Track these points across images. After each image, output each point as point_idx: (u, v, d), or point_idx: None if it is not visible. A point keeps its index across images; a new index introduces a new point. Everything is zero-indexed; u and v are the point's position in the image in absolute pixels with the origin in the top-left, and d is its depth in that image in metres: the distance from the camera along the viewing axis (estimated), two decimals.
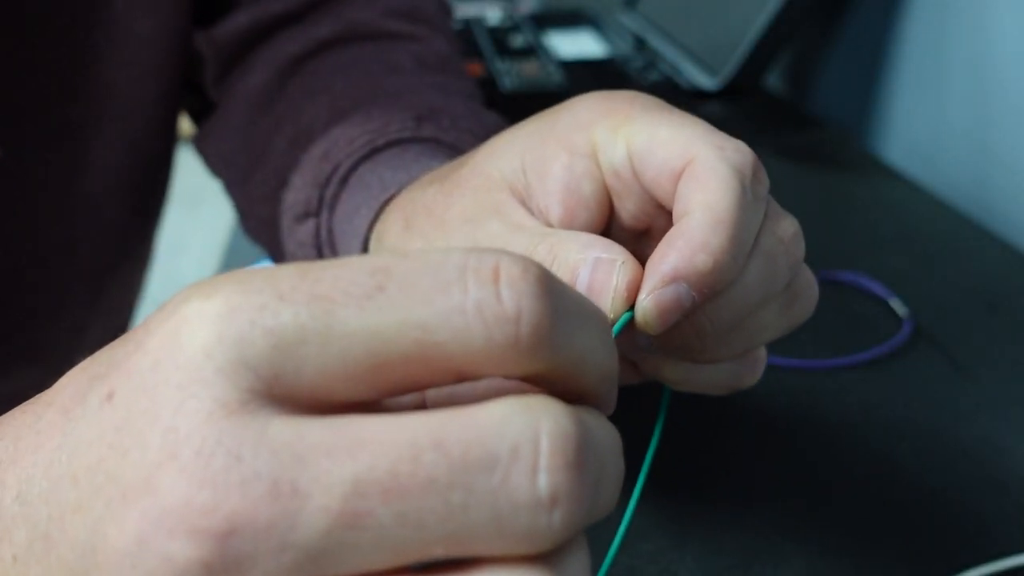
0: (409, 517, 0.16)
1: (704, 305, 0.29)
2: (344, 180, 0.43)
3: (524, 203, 0.33)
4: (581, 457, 0.17)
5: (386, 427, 0.17)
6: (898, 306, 0.54)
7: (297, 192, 0.44)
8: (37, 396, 0.21)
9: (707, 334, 0.29)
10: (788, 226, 0.31)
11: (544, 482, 0.17)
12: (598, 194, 0.32)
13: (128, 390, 0.18)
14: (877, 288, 0.56)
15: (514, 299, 0.17)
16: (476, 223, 0.33)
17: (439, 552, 0.17)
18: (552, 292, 0.18)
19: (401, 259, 0.18)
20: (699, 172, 0.29)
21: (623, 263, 0.29)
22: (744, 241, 0.28)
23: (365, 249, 0.40)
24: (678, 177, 0.29)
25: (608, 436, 0.19)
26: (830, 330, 0.53)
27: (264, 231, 0.49)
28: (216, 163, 0.55)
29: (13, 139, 0.44)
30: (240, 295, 0.17)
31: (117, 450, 0.17)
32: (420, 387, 0.18)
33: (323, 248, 0.43)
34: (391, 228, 0.38)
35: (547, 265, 0.29)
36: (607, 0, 1.06)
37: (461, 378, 0.18)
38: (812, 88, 0.92)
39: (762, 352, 0.34)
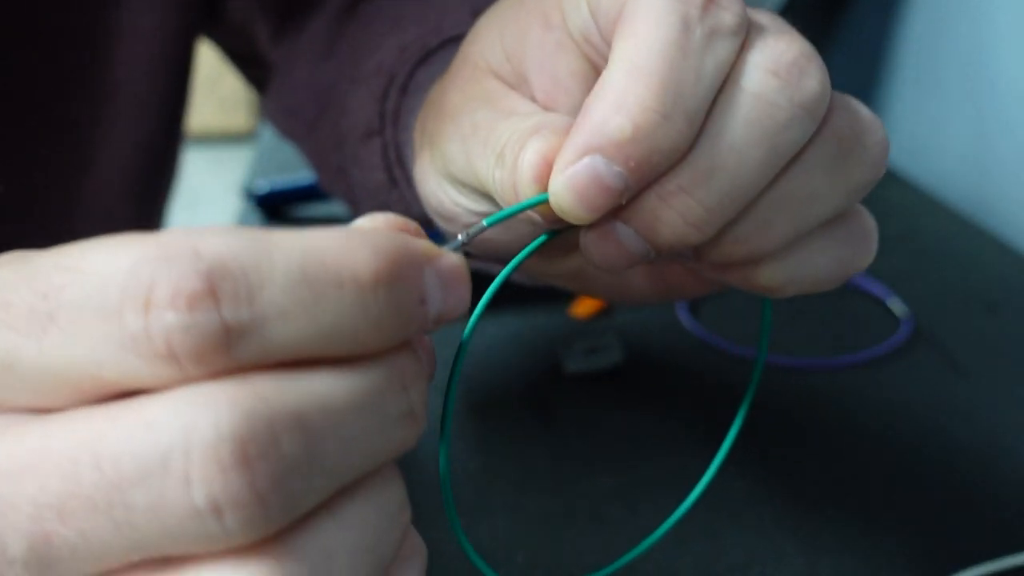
0: (89, 535, 0.16)
1: (675, 179, 0.23)
2: (403, 90, 0.39)
3: (516, 88, 0.29)
4: (242, 454, 0.16)
5: (54, 441, 0.16)
6: (897, 306, 0.54)
7: (354, 114, 0.41)
8: None
9: (700, 218, 0.23)
10: (783, 51, 0.23)
11: (198, 492, 0.15)
12: (577, 69, 0.27)
13: None
14: (876, 288, 0.56)
15: (162, 332, 0.16)
16: (463, 116, 0.29)
17: (137, 558, 0.16)
18: (211, 296, 0.16)
19: (72, 277, 0.17)
20: (627, 13, 0.23)
21: (537, 135, 0.24)
22: (683, 93, 0.22)
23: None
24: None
25: (334, 396, 0.17)
26: (829, 330, 0.53)
27: (340, 181, 0.46)
28: (283, 121, 0.52)
29: (21, 137, 0.44)
30: None
31: None
32: (124, 393, 0.17)
33: (392, 168, 0.39)
34: (416, 136, 0.35)
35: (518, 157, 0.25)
36: None
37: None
38: None
39: (864, 220, 0.27)
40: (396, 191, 0.40)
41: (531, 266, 0.35)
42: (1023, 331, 0.53)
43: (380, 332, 0.17)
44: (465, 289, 0.19)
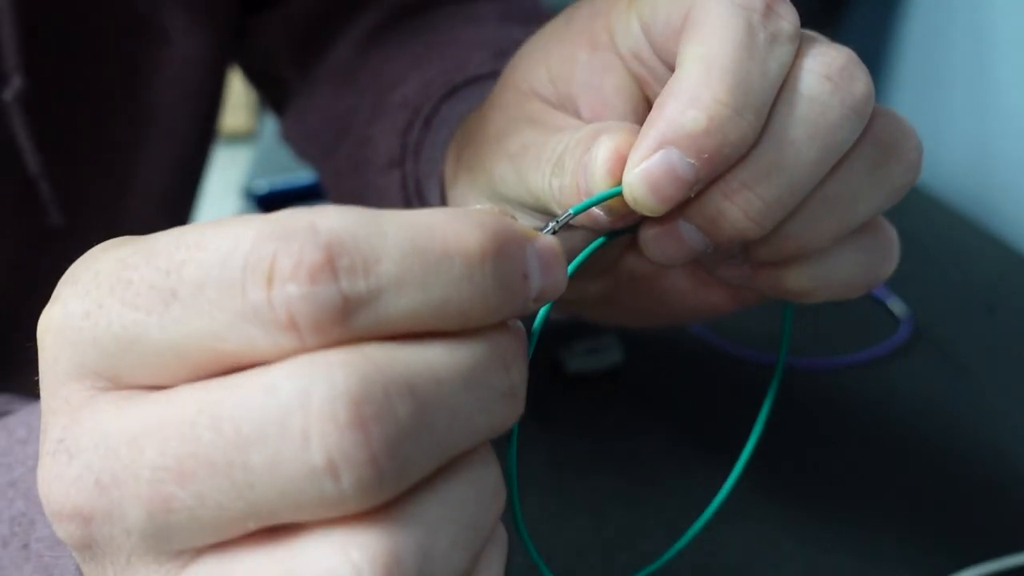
0: (207, 498, 0.16)
1: (739, 176, 0.24)
2: (427, 123, 0.39)
3: (560, 109, 0.30)
4: (358, 414, 0.16)
5: (174, 408, 0.17)
6: (897, 306, 0.54)
7: (376, 144, 0.42)
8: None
9: (759, 212, 0.24)
10: (835, 57, 0.25)
11: (316, 451, 0.16)
12: (623, 88, 0.28)
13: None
14: (876, 288, 0.56)
15: (284, 303, 0.16)
16: (510, 137, 0.30)
17: (254, 525, 0.17)
18: (330, 269, 0.16)
19: (193, 254, 0.17)
20: (695, 19, 0.25)
21: (609, 132, 0.25)
22: (752, 90, 0.24)
23: (443, 193, 0.37)
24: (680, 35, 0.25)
25: (444, 367, 0.17)
26: (829, 330, 0.53)
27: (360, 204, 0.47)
28: (301, 144, 0.53)
29: (66, 159, 0.45)
30: (73, 299, 0.18)
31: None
32: (239, 368, 0.18)
33: (411, 200, 0.40)
34: (448, 166, 0.36)
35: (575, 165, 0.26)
36: None
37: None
38: None
39: (889, 232, 0.29)
40: None
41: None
42: (1023, 331, 0.53)
43: (487, 305, 0.18)
44: (562, 269, 0.20)
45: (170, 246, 0.17)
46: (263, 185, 0.69)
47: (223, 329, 0.17)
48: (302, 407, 0.16)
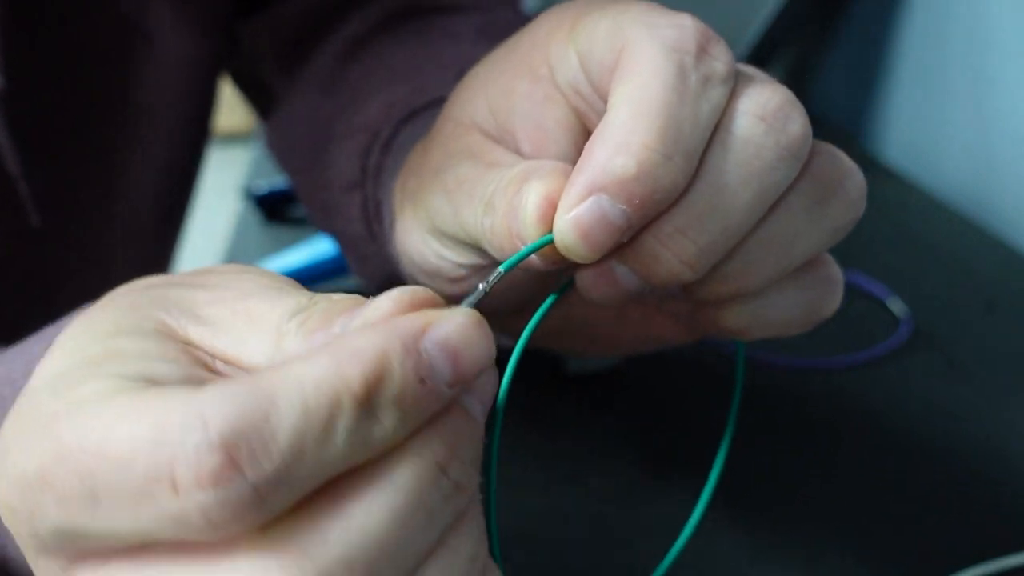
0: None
1: (672, 220, 0.24)
2: (386, 147, 0.40)
3: (499, 142, 0.29)
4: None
5: None
6: (896, 306, 0.54)
7: (339, 164, 0.42)
8: None
9: (694, 257, 0.24)
10: (769, 98, 0.24)
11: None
12: (563, 120, 0.28)
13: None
14: (875, 288, 0.56)
15: (197, 510, 0.17)
16: (447, 171, 0.29)
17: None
18: (231, 466, 0.17)
19: (98, 462, 0.18)
20: (625, 60, 0.24)
21: (539, 177, 0.25)
22: (683, 134, 0.23)
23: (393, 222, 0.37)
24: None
25: (374, 524, 0.18)
26: (828, 330, 0.52)
27: (325, 221, 0.47)
28: (279, 154, 0.53)
29: (48, 160, 0.45)
30: (15, 495, 0.19)
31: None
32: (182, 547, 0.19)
33: (371, 222, 0.40)
34: (396, 196, 0.36)
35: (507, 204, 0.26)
36: None
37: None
38: (811, 88, 0.92)
39: (832, 269, 0.28)
40: (374, 244, 0.41)
41: (513, 327, 0.35)
42: (1023, 331, 0.53)
43: (397, 427, 0.18)
44: (476, 346, 0.19)
45: (76, 452, 0.18)
46: (263, 185, 0.69)
47: (151, 529, 0.18)
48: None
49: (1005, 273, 0.59)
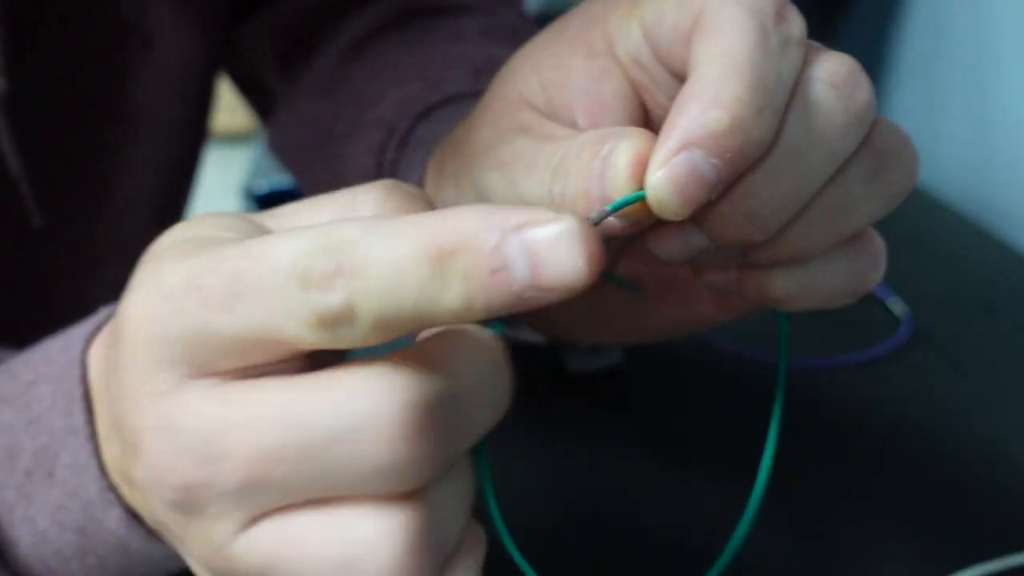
0: (292, 478, 0.21)
1: (745, 180, 0.24)
2: (402, 143, 0.40)
3: (551, 119, 0.30)
4: (429, 417, 0.20)
5: (265, 403, 0.21)
6: (897, 306, 0.54)
7: (352, 162, 0.42)
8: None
9: (763, 217, 0.25)
10: (839, 65, 0.25)
11: (385, 455, 0.20)
12: (621, 93, 0.29)
13: (117, 371, 0.24)
14: (876, 288, 0.56)
15: (344, 296, 0.20)
16: (500, 146, 0.30)
17: (320, 496, 0.21)
18: (336, 275, 0.20)
19: (252, 263, 0.21)
20: (707, 23, 0.25)
21: (627, 137, 0.25)
22: (770, 90, 0.24)
23: None
24: (690, 39, 0.25)
25: (474, 365, 0.22)
26: (828, 330, 0.53)
27: None
28: (283, 155, 0.53)
29: (48, 162, 0.45)
30: (159, 302, 0.22)
31: (122, 411, 0.23)
32: (295, 354, 0.22)
33: None
34: (429, 182, 0.35)
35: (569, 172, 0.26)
36: None
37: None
38: None
39: (877, 242, 0.29)
40: None
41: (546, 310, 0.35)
42: (1023, 331, 0.53)
43: (463, 302, 0.20)
44: (569, 259, 0.19)
45: (237, 256, 0.21)
46: (263, 185, 0.69)
47: (277, 323, 0.20)
48: (376, 414, 0.20)
49: (1005, 273, 0.59)
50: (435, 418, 0.20)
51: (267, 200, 0.68)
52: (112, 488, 0.28)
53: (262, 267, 0.20)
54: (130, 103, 0.48)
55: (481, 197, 0.30)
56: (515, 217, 0.20)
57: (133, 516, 0.28)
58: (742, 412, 0.46)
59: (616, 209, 0.25)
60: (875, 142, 0.26)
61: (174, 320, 0.21)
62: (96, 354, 0.29)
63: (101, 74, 0.46)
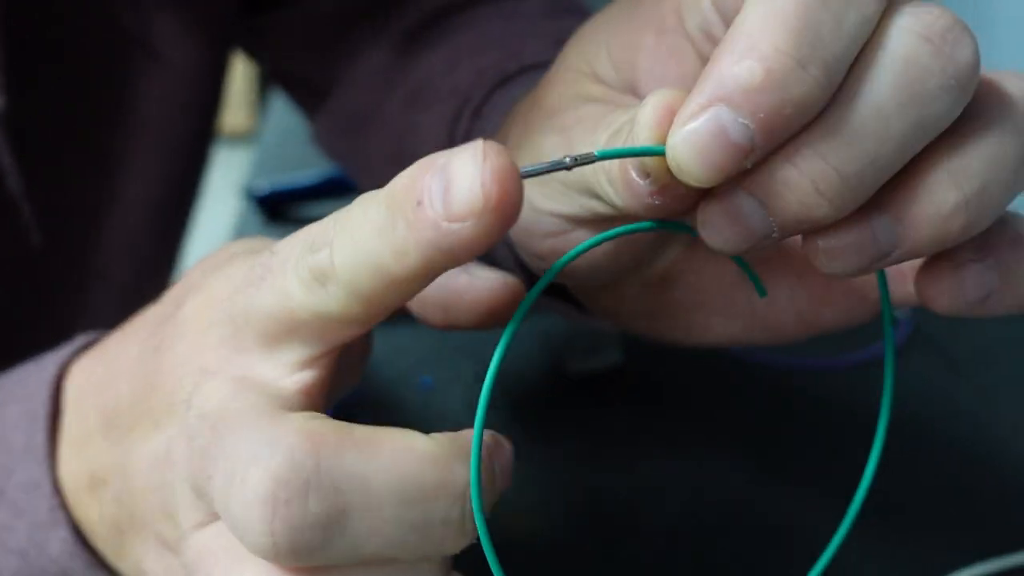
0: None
1: (808, 139, 0.21)
2: (477, 112, 0.38)
3: (620, 94, 0.28)
4: (281, 492, 0.20)
5: (224, 408, 0.23)
6: None
7: (424, 132, 0.40)
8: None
9: (835, 188, 0.20)
10: (937, 18, 0.21)
11: (245, 499, 0.21)
12: (690, 70, 0.26)
13: (167, 349, 0.26)
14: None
15: (328, 251, 0.22)
16: (565, 112, 0.27)
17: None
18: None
19: (284, 244, 0.24)
20: None
21: (662, 91, 0.22)
22: (822, 41, 0.20)
23: None
24: None
25: (394, 474, 0.21)
26: None
27: None
28: (335, 142, 0.52)
29: (48, 179, 0.45)
30: (224, 284, 0.25)
31: (154, 388, 0.25)
32: (333, 345, 0.24)
33: None
34: None
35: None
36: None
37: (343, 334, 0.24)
38: None
39: None
40: None
41: (604, 306, 0.32)
42: (1022, 331, 0.53)
43: (401, 242, 0.21)
44: (472, 180, 0.19)
45: (267, 249, 0.24)
46: (263, 185, 0.69)
47: (289, 287, 0.23)
48: (247, 467, 0.21)
49: None
50: (300, 501, 0.20)
51: (267, 200, 0.68)
52: (63, 507, 0.28)
53: (289, 244, 0.23)
54: (134, 114, 0.48)
55: (536, 160, 0.27)
56: (447, 155, 0.20)
57: (80, 540, 0.28)
58: (742, 412, 0.46)
59: (618, 155, 0.22)
60: (985, 104, 0.22)
61: (224, 303, 0.24)
62: (79, 374, 0.29)
63: (103, 87, 0.46)
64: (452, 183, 0.19)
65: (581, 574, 0.37)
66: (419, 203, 0.20)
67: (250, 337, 0.24)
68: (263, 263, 0.23)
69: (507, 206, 0.19)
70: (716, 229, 0.22)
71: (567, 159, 0.21)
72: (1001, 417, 0.46)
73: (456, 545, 0.22)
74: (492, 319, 0.29)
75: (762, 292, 0.25)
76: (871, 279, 0.25)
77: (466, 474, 0.21)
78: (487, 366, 0.21)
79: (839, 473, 0.42)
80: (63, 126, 0.45)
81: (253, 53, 0.58)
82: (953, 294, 0.23)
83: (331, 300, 0.22)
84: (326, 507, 0.20)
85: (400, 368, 0.48)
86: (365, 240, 0.21)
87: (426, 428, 0.22)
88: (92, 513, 0.27)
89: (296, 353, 0.24)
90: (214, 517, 0.23)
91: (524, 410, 0.46)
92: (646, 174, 0.22)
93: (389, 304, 0.22)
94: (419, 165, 0.20)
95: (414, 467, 0.21)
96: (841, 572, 0.37)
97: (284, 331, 0.23)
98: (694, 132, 0.20)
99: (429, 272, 0.21)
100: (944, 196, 0.21)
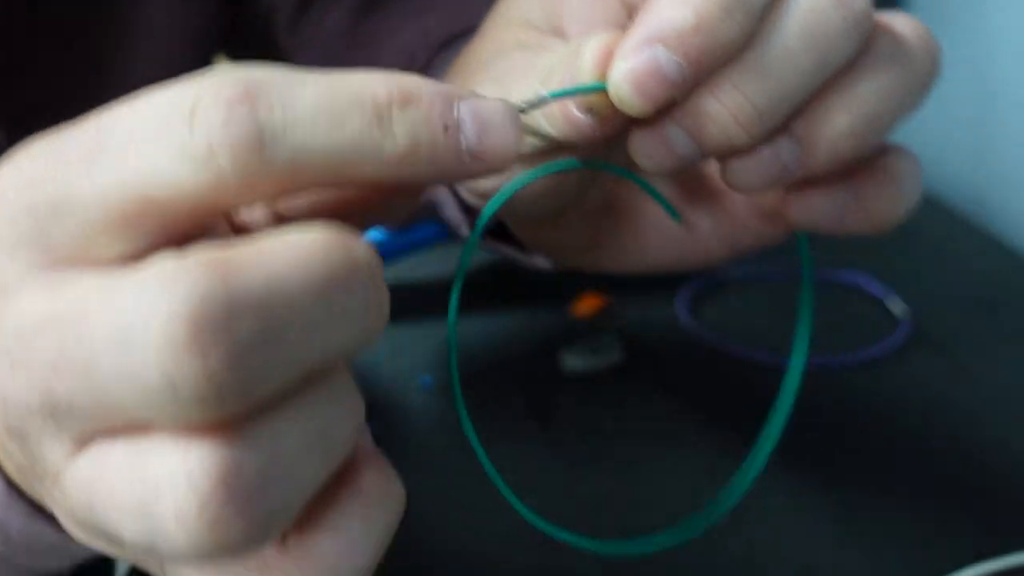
0: (76, 393, 0.17)
1: (728, 75, 0.24)
2: (424, 71, 0.39)
3: (548, 35, 0.30)
4: (195, 335, 0.16)
5: (57, 305, 0.18)
6: (897, 306, 0.54)
7: None
8: None
9: (750, 118, 0.24)
10: None
11: (153, 368, 0.16)
12: (615, 17, 0.28)
13: None
14: (875, 288, 0.56)
15: (204, 131, 0.18)
16: (497, 61, 0.29)
17: (120, 422, 0.18)
18: (248, 101, 0.18)
19: (126, 111, 0.19)
20: None
21: (600, 33, 0.25)
22: None
23: None
24: None
25: (297, 281, 0.17)
26: (828, 330, 0.53)
27: None
28: None
29: (38, 134, 0.45)
30: (10, 175, 0.19)
31: None
32: (179, 233, 0.19)
33: None
34: None
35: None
36: None
37: (208, 218, 0.20)
38: None
39: (906, 164, 0.28)
40: None
41: (541, 239, 0.34)
42: (1023, 331, 0.53)
43: (404, 150, 0.20)
44: (507, 133, 0.21)
45: (109, 111, 0.19)
46: None
47: (147, 171, 0.18)
48: (144, 325, 0.16)
49: (1005, 273, 0.60)
50: (220, 332, 0.16)
51: None
52: None
53: (137, 111, 0.18)
54: (125, 71, 0.47)
55: None
56: (462, 91, 0.21)
57: (14, 490, 0.25)
58: (742, 412, 0.46)
59: (567, 94, 0.24)
60: (878, 44, 0.25)
61: (26, 189, 0.19)
62: None
63: (93, 39, 0.45)
64: (489, 130, 0.21)
65: (581, 574, 0.37)
66: (448, 127, 0.20)
67: (59, 244, 0.19)
68: (93, 132, 0.19)
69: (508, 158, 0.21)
70: (647, 153, 0.26)
71: (523, 104, 0.24)
72: (1001, 417, 0.46)
73: (379, 323, 0.19)
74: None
75: (676, 217, 0.29)
76: (780, 204, 0.29)
77: (363, 246, 0.19)
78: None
79: (837, 471, 0.42)
80: (46, 87, 0.44)
81: (235, 37, 0.57)
82: (821, 211, 0.27)
83: (250, 172, 0.18)
84: (255, 323, 0.17)
85: (400, 368, 0.48)
86: (333, 129, 0.19)
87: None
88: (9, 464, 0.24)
89: (120, 249, 0.19)
90: (83, 440, 0.19)
91: (523, 410, 0.46)
92: (588, 109, 0.25)
93: (272, 194, 0.20)
94: (437, 91, 0.20)
95: (319, 254, 0.18)
96: (841, 572, 0.37)
97: (132, 225, 0.19)
98: (633, 68, 0.23)
99: (394, 182, 0.21)
100: (838, 121, 0.25)
